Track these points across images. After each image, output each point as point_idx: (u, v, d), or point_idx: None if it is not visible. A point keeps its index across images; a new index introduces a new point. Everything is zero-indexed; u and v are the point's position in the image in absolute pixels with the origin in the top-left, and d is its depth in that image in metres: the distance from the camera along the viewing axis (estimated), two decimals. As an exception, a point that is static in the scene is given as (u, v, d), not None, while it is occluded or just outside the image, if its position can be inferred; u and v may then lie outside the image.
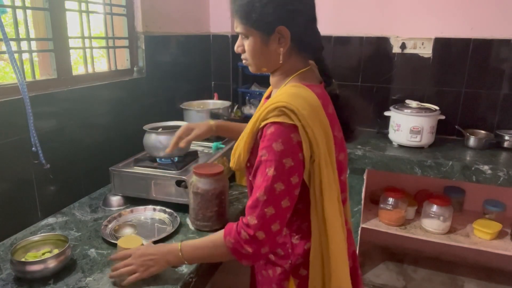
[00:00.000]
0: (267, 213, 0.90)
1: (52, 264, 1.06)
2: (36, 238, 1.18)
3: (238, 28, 1.00)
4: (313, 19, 1.01)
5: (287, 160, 0.90)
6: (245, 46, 1.01)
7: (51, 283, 1.05)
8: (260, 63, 1.02)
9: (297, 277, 1.05)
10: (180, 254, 1.02)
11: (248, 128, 1.00)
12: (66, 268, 1.10)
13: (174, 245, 1.05)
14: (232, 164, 1.07)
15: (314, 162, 0.93)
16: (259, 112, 0.97)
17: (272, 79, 1.07)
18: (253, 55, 1.01)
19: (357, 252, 2.34)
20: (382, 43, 2.49)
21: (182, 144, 1.28)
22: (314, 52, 1.05)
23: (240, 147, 1.02)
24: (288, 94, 0.94)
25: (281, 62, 1.00)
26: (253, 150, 1.00)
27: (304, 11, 0.98)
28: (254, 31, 0.97)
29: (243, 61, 1.06)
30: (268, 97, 1.12)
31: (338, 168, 1.00)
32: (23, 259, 1.09)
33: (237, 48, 1.04)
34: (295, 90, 0.96)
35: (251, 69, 1.06)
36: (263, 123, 0.94)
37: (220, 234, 0.98)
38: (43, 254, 1.12)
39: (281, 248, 1.05)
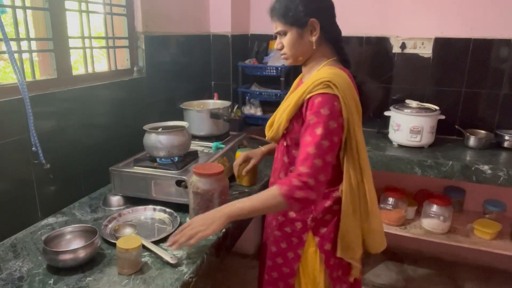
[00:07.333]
0: (316, 164, 1.08)
1: (82, 254, 1.10)
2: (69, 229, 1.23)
3: (278, 28, 1.21)
4: (333, 15, 1.24)
5: (331, 123, 1.10)
6: (283, 43, 1.21)
7: (51, 283, 1.05)
8: (297, 53, 1.22)
9: (318, 235, 1.26)
10: (238, 205, 1.13)
11: (291, 102, 1.19)
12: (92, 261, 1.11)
13: (230, 202, 1.17)
14: (269, 134, 1.28)
15: (350, 126, 1.14)
16: (302, 89, 1.16)
17: (305, 68, 1.27)
18: (291, 47, 1.20)
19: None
20: (382, 43, 2.49)
21: (244, 172, 1.51)
22: (337, 42, 1.26)
23: (281, 118, 1.22)
24: (328, 73, 1.15)
25: (314, 48, 1.20)
26: (292, 119, 1.20)
27: (326, 8, 1.22)
28: (291, 27, 1.18)
29: (282, 56, 1.25)
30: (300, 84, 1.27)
31: None
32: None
33: (277, 45, 1.24)
34: (333, 70, 1.17)
35: (289, 61, 1.25)
36: (309, 95, 1.14)
37: (274, 186, 1.13)
38: None
39: None
